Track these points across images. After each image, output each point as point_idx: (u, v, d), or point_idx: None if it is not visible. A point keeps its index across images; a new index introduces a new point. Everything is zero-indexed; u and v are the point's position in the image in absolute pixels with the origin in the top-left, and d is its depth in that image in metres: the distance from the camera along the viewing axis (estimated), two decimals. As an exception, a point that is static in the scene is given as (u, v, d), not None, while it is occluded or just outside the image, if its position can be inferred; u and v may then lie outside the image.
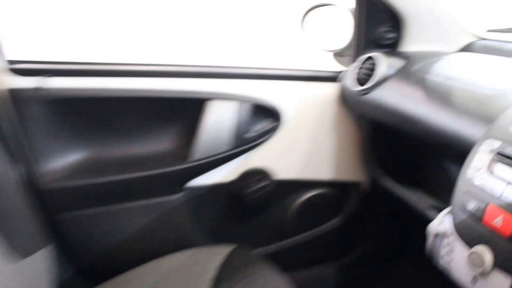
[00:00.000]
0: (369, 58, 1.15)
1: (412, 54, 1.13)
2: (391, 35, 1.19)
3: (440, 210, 0.99)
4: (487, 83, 0.84)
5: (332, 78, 1.25)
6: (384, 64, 1.09)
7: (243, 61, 1.38)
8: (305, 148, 1.27)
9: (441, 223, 0.77)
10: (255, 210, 1.30)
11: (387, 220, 1.44)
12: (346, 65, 1.26)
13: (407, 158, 1.21)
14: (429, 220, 0.81)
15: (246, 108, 1.18)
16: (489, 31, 1.22)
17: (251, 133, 1.20)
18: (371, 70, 1.13)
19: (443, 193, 1.08)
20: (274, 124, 1.22)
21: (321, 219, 1.38)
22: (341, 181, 1.34)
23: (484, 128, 0.73)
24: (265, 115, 1.22)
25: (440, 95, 0.91)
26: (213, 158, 1.17)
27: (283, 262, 1.14)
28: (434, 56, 1.08)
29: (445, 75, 0.96)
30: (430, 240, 0.80)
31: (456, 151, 0.80)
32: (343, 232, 1.40)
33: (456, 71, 0.95)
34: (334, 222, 1.38)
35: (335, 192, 1.36)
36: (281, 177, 1.27)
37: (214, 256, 1.04)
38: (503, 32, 1.20)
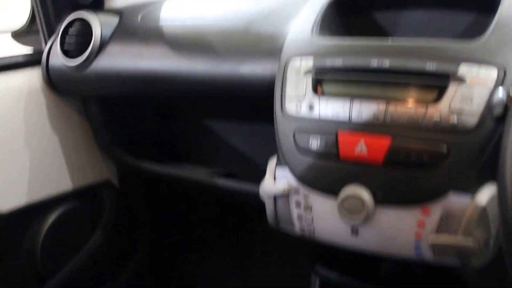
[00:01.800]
0: (72, 23, 0.91)
1: (123, 9, 0.95)
2: None
3: (225, 175, 0.89)
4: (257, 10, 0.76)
5: (31, 61, 0.95)
6: (97, 25, 0.88)
7: None
8: (24, 161, 0.95)
9: (276, 180, 0.61)
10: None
11: (156, 210, 1.26)
12: (39, 44, 0.98)
13: (156, 131, 1.06)
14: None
15: None
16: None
17: None
18: (81, 37, 0.90)
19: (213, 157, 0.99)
20: None
21: (78, 241, 1.08)
22: (85, 186, 1.07)
23: (279, 53, 0.63)
24: None
25: (190, 40, 0.78)
26: None
27: None
28: (148, 5, 0.93)
29: (175, 18, 0.84)
30: (270, 206, 0.63)
31: (251, 95, 0.69)
32: (111, 244, 1.13)
33: (195, 12, 0.84)
34: (96, 238, 1.11)
35: (83, 203, 1.08)
36: (8, 207, 0.92)
37: None
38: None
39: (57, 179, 1.01)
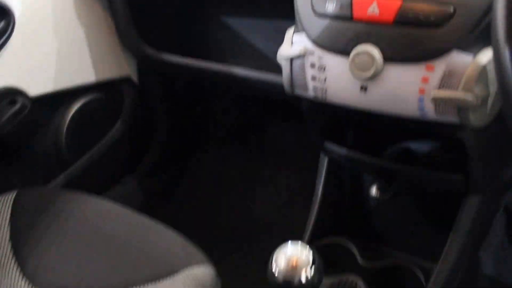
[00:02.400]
0: None
1: None
2: None
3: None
4: None
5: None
6: None
7: None
8: (53, 50, 0.99)
9: (294, 45, 0.66)
10: (16, 144, 0.98)
11: (173, 106, 1.32)
12: None
13: (171, 24, 1.09)
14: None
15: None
16: None
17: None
18: None
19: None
20: (4, 26, 0.89)
21: (99, 131, 1.15)
22: (106, 80, 1.13)
23: None
24: None
25: None
26: None
27: (81, 187, 0.91)
28: None
29: None
30: (286, 70, 0.68)
31: None
32: (129, 137, 1.21)
33: None
34: (115, 130, 1.18)
35: (105, 96, 1.13)
36: (36, 92, 0.97)
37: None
38: None
39: (82, 71, 1.06)
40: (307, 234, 0.86)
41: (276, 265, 0.56)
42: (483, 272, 0.86)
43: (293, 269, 0.55)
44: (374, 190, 0.84)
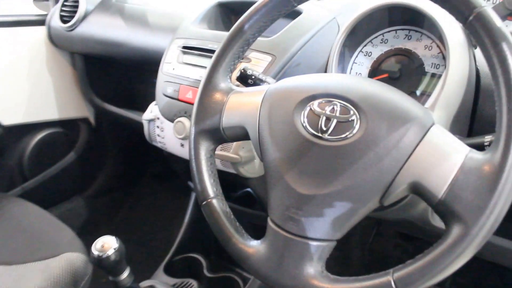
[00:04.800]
0: (69, -3, 1.29)
1: None
2: None
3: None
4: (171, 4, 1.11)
5: (38, 21, 1.34)
6: (84, 1, 1.25)
7: None
8: (25, 92, 1.34)
9: (151, 112, 0.98)
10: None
11: (121, 146, 1.65)
12: (48, 9, 1.37)
13: (120, 83, 1.42)
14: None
15: None
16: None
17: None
18: (75, 7, 1.27)
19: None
20: None
21: (56, 157, 1.48)
22: (68, 118, 1.46)
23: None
24: None
25: (138, 18, 1.14)
26: None
27: (34, 198, 1.21)
28: None
29: (141, 2, 1.19)
30: (145, 127, 0.99)
31: (156, 62, 1.04)
32: (80, 166, 1.53)
33: None
34: (69, 157, 1.50)
35: (65, 130, 1.47)
36: (9, 122, 1.31)
37: None
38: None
39: (47, 109, 1.41)
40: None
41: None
42: None
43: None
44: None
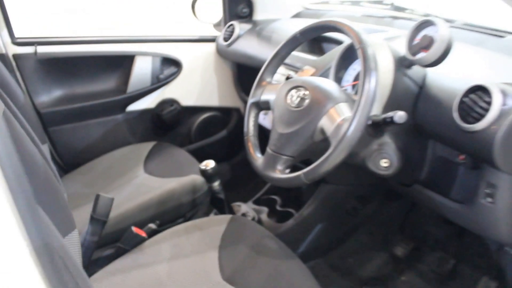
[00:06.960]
0: (231, 25, 1.94)
1: (258, 21, 1.93)
2: (245, 10, 1.98)
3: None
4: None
5: (212, 39, 2.02)
6: (238, 28, 1.88)
7: (159, 31, 2.10)
8: (199, 85, 2.04)
9: None
10: (169, 125, 2.05)
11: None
12: (220, 30, 2.04)
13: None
14: None
15: (159, 60, 1.92)
16: (312, 3, 2.05)
17: (164, 75, 1.95)
18: (232, 32, 1.91)
19: None
20: (177, 69, 1.97)
21: (213, 131, 2.15)
22: (224, 107, 2.13)
23: None
24: (171, 64, 1.97)
25: (265, 40, 1.71)
26: (141, 91, 1.90)
27: (196, 156, 1.86)
28: (273, 21, 1.88)
29: (274, 30, 1.76)
30: None
31: None
32: (228, 141, 2.18)
33: (283, 26, 1.76)
34: (222, 134, 2.16)
35: (221, 114, 2.14)
36: (185, 104, 2.03)
37: (144, 148, 1.77)
38: (320, 3, 2.05)
39: (212, 98, 2.09)
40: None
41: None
42: None
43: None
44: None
